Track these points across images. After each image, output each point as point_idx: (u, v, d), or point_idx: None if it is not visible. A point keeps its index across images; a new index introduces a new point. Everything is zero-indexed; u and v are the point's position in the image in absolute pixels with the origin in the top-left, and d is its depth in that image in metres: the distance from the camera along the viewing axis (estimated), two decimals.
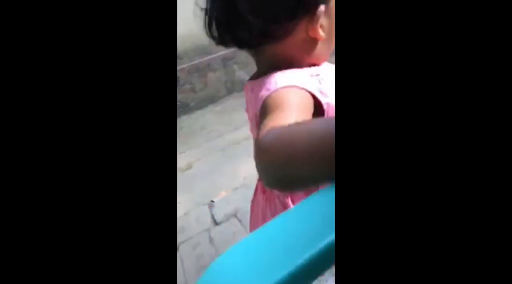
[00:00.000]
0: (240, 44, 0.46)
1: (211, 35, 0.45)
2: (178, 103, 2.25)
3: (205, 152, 1.94)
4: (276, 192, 0.54)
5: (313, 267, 0.25)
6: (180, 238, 1.43)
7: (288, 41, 0.43)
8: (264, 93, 0.40)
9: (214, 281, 0.25)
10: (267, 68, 0.46)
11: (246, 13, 0.40)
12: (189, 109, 2.31)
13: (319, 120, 0.29)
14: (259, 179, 0.59)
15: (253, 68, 0.53)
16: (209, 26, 0.44)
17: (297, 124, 0.30)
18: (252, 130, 0.53)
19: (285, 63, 0.45)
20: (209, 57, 2.22)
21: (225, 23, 0.43)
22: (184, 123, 2.23)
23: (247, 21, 0.41)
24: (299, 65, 0.46)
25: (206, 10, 0.44)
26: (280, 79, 0.41)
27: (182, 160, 1.88)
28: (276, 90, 0.39)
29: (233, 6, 0.40)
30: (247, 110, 0.54)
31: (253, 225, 0.69)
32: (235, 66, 2.34)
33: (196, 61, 2.22)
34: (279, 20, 0.41)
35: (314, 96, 0.40)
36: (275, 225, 0.28)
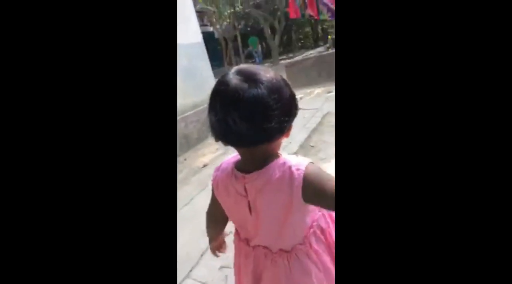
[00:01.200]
0: (243, 145, 0.63)
1: (215, 135, 0.61)
2: None
3: None
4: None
5: None
6: None
7: (275, 141, 0.63)
8: (298, 172, 0.62)
9: None
10: (261, 160, 0.65)
11: (256, 135, 0.57)
12: None
13: None
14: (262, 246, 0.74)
15: None
16: (213, 129, 0.60)
17: None
18: (276, 205, 0.66)
19: (272, 154, 0.66)
20: None
21: (235, 134, 0.57)
22: None
23: (251, 136, 0.58)
24: (277, 154, 0.67)
25: (210, 120, 0.60)
26: (300, 161, 0.64)
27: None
28: (306, 166, 0.62)
29: (245, 127, 0.56)
30: (246, 196, 0.68)
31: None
32: None
33: None
34: (278, 134, 0.60)
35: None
36: None
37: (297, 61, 6.75)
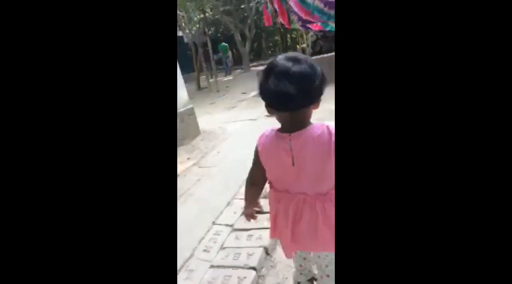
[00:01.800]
0: (288, 109, 0.83)
1: (270, 101, 0.82)
2: None
3: None
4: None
5: None
6: None
7: (310, 108, 0.86)
8: (332, 131, 0.83)
9: None
10: (301, 123, 0.86)
11: (302, 98, 0.79)
12: None
13: None
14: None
15: None
16: (262, 95, 0.83)
17: None
18: (318, 156, 0.86)
19: (307, 120, 0.88)
20: None
21: (286, 97, 0.77)
22: None
23: (298, 99, 0.79)
24: (310, 121, 0.89)
25: (268, 90, 0.80)
26: (332, 128, 0.84)
27: None
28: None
29: (293, 90, 0.77)
30: (291, 151, 0.88)
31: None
32: None
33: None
34: (316, 99, 0.83)
35: None
36: None
37: None
